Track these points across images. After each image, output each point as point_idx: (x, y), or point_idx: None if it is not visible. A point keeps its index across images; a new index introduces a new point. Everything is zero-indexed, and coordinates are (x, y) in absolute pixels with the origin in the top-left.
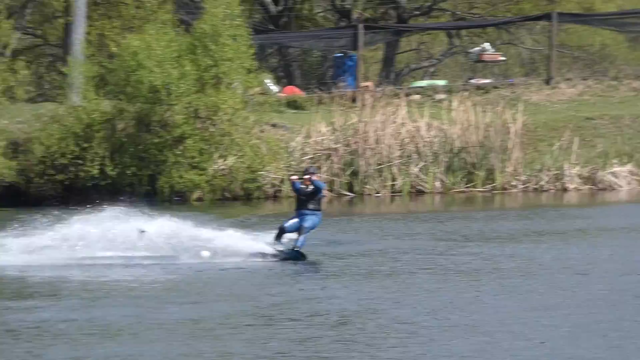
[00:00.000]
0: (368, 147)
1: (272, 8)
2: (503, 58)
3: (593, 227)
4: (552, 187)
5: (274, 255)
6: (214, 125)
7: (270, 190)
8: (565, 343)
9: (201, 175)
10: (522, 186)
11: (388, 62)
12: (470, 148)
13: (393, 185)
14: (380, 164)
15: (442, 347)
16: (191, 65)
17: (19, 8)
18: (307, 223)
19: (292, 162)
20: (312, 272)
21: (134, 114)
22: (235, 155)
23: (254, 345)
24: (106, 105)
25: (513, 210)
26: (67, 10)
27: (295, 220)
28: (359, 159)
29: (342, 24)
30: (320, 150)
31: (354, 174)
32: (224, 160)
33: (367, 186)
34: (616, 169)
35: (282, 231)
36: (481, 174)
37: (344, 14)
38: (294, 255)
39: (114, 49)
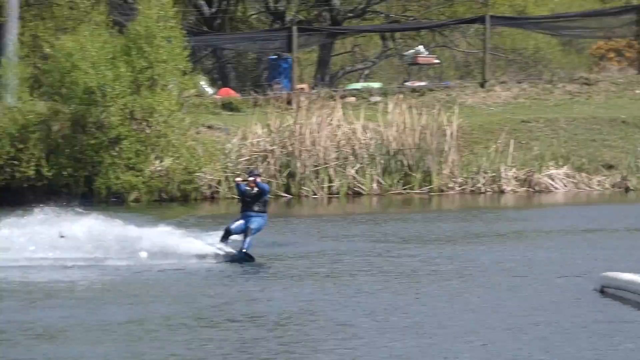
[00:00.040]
0: (304, 149)
1: (206, 10)
2: (438, 61)
3: (530, 229)
4: (489, 189)
5: (224, 257)
6: (150, 126)
7: (208, 192)
8: (505, 344)
9: (138, 176)
10: (459, 188)
11: (323, 64)
12: (406, 150)
13: (330, 186)
14: (317, 166)
15: (382, 348)
16: (126, 67)
17: None
18: (253, 225)
19: (229, 164)
20: (250, 273)
21: (69, 115)
22: (171, 156)
23: (194, 347)
24: (41, 106)
25: (450, 212)
26: (0, 12)
27: (241, 222)
28: (295, 160)
29: (276, 26)
30: (257, 152)
31: (291, 175)
32: (161, 162)
33: (304, 188)
34: (552, 171)
35: (228, 233)
36: (418, 176)
37: (278, 16)
38: (242, 257)
39: (47, 50)
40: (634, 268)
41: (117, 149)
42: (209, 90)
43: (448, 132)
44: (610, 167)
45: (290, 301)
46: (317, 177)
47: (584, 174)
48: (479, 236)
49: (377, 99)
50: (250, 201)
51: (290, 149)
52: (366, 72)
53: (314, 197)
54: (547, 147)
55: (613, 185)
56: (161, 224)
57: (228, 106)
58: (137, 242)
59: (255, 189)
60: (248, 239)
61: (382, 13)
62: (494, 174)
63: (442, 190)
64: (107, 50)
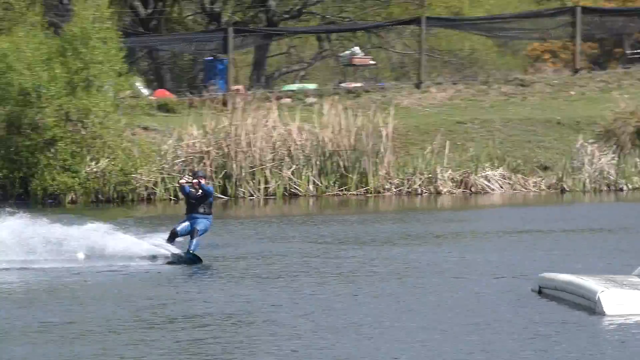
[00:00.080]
0: (240, 150)
1: (142, 11)
2: (373, 62)
3: (467, 231)
4: (425, 191)
5: (172, 258)
6: (85, 128)
7: (144, 193)
8: (445, 345)
9: (74, 177)
10: (396, 189)
11: (258, 65)
12: (342, 151)
13: (267, 188)
14: (253, 167)
15: (322, 350)
16: (61, 68)
17: None
18: (199, 226)
19: (165, 165)
20: (188, 275)
21: (4, 117)
22: (107, 158)
23: (132, 348)
24: None
25: (388, 213)
26: None
27: (186, 223)
28: (231, 162)
29: (212, 27)
30: (193, 153)
31: (227, 177)
32: (97, 163)
33: (241, 189)
34: (488, 172)
35: (174, 235)
36: (354, 177)
37: (214, 17)
38: (189, 258)
39: None
40: (571, 269)
41: (52, 150)
42: (145, 91)
43: (384, 134)
44: (545, 168)
45: (229, 302)
46: (253, 179)
47: (519, 176)
48: (416, 237)
49: (313, 100)
50: (195, 203)
51: (226, 150)
52: (302, 73)
53: (251, 199)
54: (482, 148)
55: (549, 187)
56: (105, 226)
57: (164, 107)
58: (76, 242)
59: (200, 191)
60: (195, 241)
61: (317, 14)
62: (430, 175)
63: (378, 192)
64: (43, 51)
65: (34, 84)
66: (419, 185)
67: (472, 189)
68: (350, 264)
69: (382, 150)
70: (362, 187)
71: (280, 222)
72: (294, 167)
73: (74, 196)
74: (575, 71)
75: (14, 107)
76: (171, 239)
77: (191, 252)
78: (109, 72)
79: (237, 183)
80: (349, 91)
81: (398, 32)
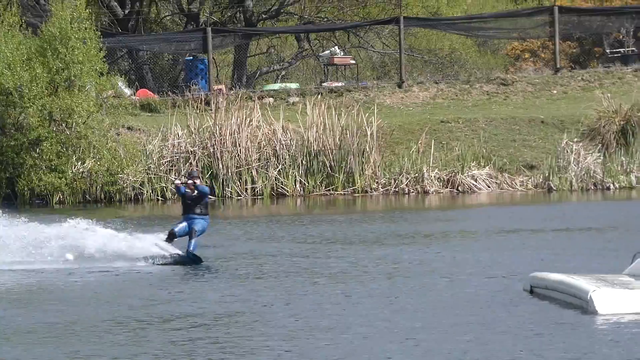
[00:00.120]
0: (225, 150)
1: (119, 11)
2: (353, 61)
3: (456, 230)
4: (412, 190)
5: (171, 258)
6: (70, 128)
7: (131, 193)
8: (438, 344)
9: (60, 178)
10: (383, 189)
11: (239, 65)
12: (327, 151)
13: (254, 188)
14: (239, 167)
15: (316, 349)
16: (42, 68)
17: None
18: (197, 226)
19: (151, 165)
20: (178, 275)
21: None
22: (93, 158)
23: (125, 348)
24: None
25: (375, 213)
26: None
27: (184, 224)
28: (217, 162)
29: (191, 27)
30: (178, 153)
31: (214, 177)
32: (82, 163)
33: (228, 189)
34: (475, 172)
35: (172, 236)
36: (341, 177)
37: (192, 17)
38: (189, 258)
39: None
40: (561, 268)
41: (37, 150)
42: (127, 91)
43: (368, 133)
44: (531, 167)
45: (220, 302)
46: (240, 179)
47: (506, 175)
48: (405, 237)
49: (295, 99)
50: (192, 204)
51: (211, 150)
52: (283, 73)
53: (238, 199)
54: (467, 147)
55: (536, 186)
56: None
57: (147, 107)
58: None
59: (195, 192)
60: (193, 241)
61: (295, 14)
62: (416, 175)
63: (365, 191)
64: (22, 51)
65: (15, 84)
66: (406, 184)
67: (459, 189)
68: (340, 264)
69: (367, 149)
70: (349, 187)
71: (268, 222)
72: (280, 166)
73: (61, 196)
74: (556, 70)
75: None
76: (169, 240)
77: (190, 252)
78: (90, 72)
79: (224, 183)
80: (331, 90)
81: (377, 31)
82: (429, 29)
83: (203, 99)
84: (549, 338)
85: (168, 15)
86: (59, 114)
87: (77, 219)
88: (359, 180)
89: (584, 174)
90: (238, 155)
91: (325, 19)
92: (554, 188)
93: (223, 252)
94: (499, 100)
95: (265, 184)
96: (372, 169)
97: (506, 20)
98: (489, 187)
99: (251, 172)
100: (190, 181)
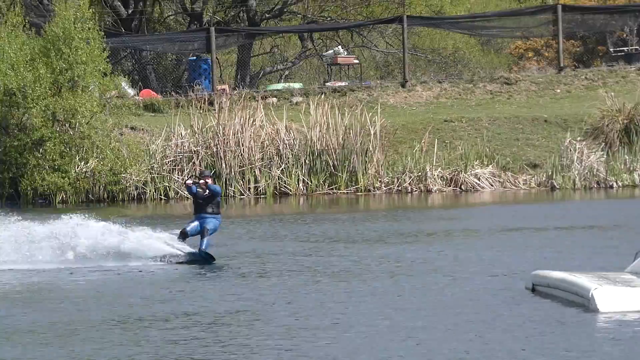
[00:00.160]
0: (229, 150)
1: (122, 11)
2: (357, 61)
3: (459, 229)
4: (415, 189)
5: (184, 257)
6: (73, 128)
7: (134, 193)
8: (440, 343)
9: (64, 178)
10: (386, 188)
11: (242, 65)
12: (330, 150)
13: (257, 187)
14: (242, 167)
15: (318, 348)
16: (45, 69)
17: None
18: (209, 225)
19: (155, 165)
20: (180, 273)
21: None
22: (96, 158)
23: (127, 347)
24: None
25: (378, 211)
26: None
27: (196, 223)
28: (220, 161)
29: (194, 27)
30: (182, 153)
31: (217, 176)
32: (86, 163)
33: (231, 188)
34: (478, 170)
35: (184, 235)
36: (344, 176)
37: (195, 17)
38: (202, 257)
39: None
40: (563, 266)
41: (41, 150)
42: (130, 91)
43: (372, 132)
44: (535, 166)
45: (222, 301)
46: (243, 178)
47: (509, 173)
48: (408, 236)
49: (299, 99)
50: (203, 203)
51: (214, 149)
52: (286, 72)
53: (241, 198)
54: (471, 146)
55: (539, 184)
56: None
57: (150, 107)
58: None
59: (207, 191)
60: (205, 240)
61: (298, 14)
62: (419, 174)
63: (368, 190)
64: (26, 51)
65: (19, 84)
66: (409, 183)
67: (462, 187)
68: (343, 262)
69: (370, 148)
70: (352, 186)
71: (271, 221)
72: (283, 166)
73: (64, 196)
74: (560, 69)
75: (0, 107)
76: (182, 239)
77: (203, 250)
78: (93, 73)
79: (227, 182)
80: (335, 90)
81: (380, 31)
82: (432, 27)
83: (206, 98)
84: (550, 336)
85: (171, 15)
86: (63, 114)
87: (72, 215)
88: (362, 179)
89: (587, 173)
90: (241, 154)
91: (329, 19)
92: (557, 187)
93: (226, 251)
94: (502, 99)
95: (268, 183)
96: (375, 168)
97: (509, 19)
98: (492, 185)
99: (254, 172)
100: (202, 181)
